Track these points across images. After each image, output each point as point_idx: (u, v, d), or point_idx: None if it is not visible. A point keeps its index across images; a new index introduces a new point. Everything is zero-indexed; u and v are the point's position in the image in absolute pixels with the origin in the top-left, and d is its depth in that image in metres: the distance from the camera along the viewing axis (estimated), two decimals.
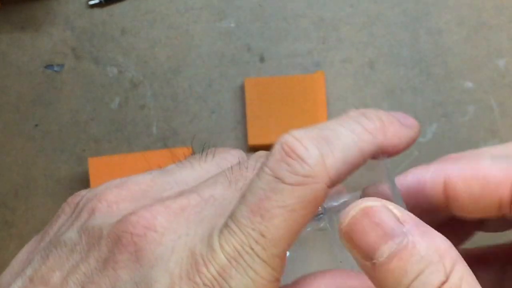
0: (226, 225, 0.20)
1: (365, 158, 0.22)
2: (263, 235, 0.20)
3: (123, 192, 0.23)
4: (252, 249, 0.20)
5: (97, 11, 0.54)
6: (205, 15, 0.53)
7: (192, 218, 0.21)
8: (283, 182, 0.20)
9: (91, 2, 0.53)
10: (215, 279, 0.20)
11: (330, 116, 0.51)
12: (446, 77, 0.52)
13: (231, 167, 0.23)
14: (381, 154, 0.22)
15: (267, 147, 0.22)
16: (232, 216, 0.20)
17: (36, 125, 0.53)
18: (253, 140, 0.51)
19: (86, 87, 0.53)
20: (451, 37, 0.52)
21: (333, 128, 0.21)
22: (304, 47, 0.52)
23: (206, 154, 0.25)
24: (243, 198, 0.20)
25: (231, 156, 0.25)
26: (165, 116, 0.53)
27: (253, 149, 0.51)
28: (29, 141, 0.53)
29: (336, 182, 0.21)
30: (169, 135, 0.53)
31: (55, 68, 0.53)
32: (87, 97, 0.53)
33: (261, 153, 0.24)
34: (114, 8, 0.54)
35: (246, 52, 0.53)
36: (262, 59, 0.53)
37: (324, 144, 0.20)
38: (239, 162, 0.23)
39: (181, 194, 0.22)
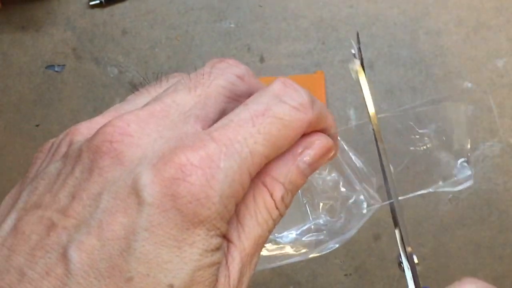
0: (222, 123, 0.23)
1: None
2: (259, 132, 0.22)
3: (92, 124, 0.25)
4: (245, 139, 0.22)
5: (97, 11, 0.54)
6: (205, 15, 0.53)
7: (161, 122, 0.23)
8: (285, 102, 0.23)
9: (92, 3, 0.54)
10: (203, 160, 0.21)
11: None
12: (445, 77, 0.52)
13: (189, 75, 0.25)
14: None
15: None
16: (231, 116, 0.23)
17: (37, 125, 0.53)
18: None
19: (87, 87, 0.53)
20: (450, 38, 0.52)
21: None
22: (304, 47, 0.53)
23: (161, 80, 0.26)
24: (245, 105, 0.23)
25: (181, 76, 0.27)
26: None
27: None
28: (30, 141, 0.53)
29: (313, 126, 0.24)
30: None
31: (56, 69, 0.54)
32: (88, 97, 0.53)
33: (214, 60, 0.26)
34: (115, 8, 0.54)
35: (246, 52, 0.53)
36: (262, 59, 0.53)
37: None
38: (196, 71, 0.25)
39: (145, 104, 0.24)
